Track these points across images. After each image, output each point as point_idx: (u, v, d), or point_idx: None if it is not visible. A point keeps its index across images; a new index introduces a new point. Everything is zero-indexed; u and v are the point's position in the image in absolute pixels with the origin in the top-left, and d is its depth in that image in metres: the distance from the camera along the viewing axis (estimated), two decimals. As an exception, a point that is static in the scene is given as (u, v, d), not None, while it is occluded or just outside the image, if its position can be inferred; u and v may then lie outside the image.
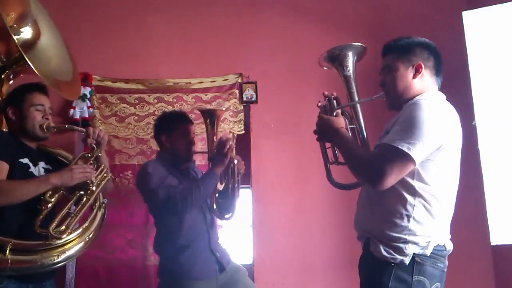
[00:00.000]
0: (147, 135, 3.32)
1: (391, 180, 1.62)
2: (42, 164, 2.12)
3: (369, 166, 1.69)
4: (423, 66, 1.80)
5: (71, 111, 3.22)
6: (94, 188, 2.10)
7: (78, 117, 3.22)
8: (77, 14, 3.45)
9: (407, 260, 1.65)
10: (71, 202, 2.03)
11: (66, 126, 2.40)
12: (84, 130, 2.21)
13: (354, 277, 3.23)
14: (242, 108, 3.40)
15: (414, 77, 1.80)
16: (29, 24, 2.36)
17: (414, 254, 1.66)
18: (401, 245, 1.66)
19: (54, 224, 1.91)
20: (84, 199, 2.07)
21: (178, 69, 3.44)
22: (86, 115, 3.23)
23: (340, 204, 3.33)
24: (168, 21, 3.52)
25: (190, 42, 3.50)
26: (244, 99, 3.41)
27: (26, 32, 2.36)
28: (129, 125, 3.33)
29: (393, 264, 1.66)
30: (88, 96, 3.26)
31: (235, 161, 2.42)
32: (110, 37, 3.46)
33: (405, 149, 1.60)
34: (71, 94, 2.62)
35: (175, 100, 3.38)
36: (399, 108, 1.81)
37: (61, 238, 1.92)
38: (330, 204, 3.34)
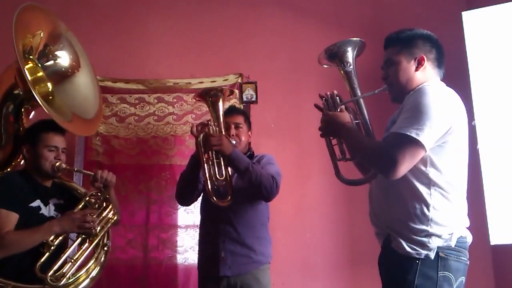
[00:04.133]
0: (147, 135, 3.33)
1: (404, 168, 1.61)
2: (53, 201, 2.19)
3: (380, 156, 1.67)
4: (425, 59, 1.80)
5: (72, 111, 3.22)
6: (98, 230, 2.12)
7: (78, 117, 3.22)
8: (77, 15, 3.45)
9: (432, 255, 1.64)
10: (72, 247, 2.07)
11: (76, 169, 2.44)
12: (92, 173, 2.25)
13: (354, 276, 3.27)
14: (242, 108, 3.40)
15: (416, 69, 1.81)
16: (65, 48, 2.31)
17: (438, 248, 1.64)
18: (425, 239, 1.64)
19: (52, 271, 1.96)
20: (87, 242, 2.10)
21: (178, 69, 3.44)
22: (87, 115, 3.23)
23: (340, 203, 3.33)
24: (168, 21, 3.52)
25: (190, 42, 3.51)
26: (244, 99, 3.42)
27: (63, 59, 2.31)
28: (129, 125, 3.33)
29: (417, 261, 1.64)
30: (89, 96, 3.26)
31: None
32: (110, 37, 3.46)
33: (413, 135, 1.59)
34: (87, 131, 2.59)
35: (175, 100, 3.39)
36: (402, 100, 1.81)
37: (58, 285, 1.95)
38: (331, 203, 3.35)
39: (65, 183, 2.36)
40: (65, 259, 2.02)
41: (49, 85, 2.28)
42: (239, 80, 3.43)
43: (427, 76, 1.81)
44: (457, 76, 2.96)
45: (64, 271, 1.99)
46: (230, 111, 2.64)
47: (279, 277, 3.16)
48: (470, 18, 3.24)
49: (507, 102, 3.09)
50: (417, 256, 1.65)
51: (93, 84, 2.45)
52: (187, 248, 3.18)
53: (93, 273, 2.12)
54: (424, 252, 1.64)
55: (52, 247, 1.99)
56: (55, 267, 1.97)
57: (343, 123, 1.84)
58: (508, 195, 3.03)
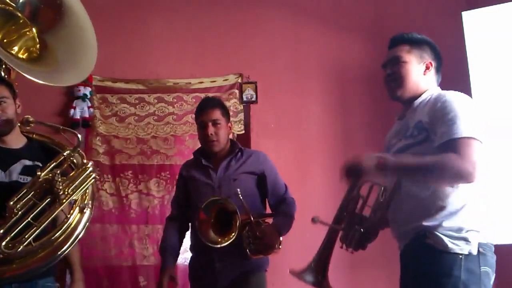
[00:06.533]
0: (147, 135, 3.33)
1: (479, 167, 1.61)
2: (22, 163, 1.99)
3: (456, 164, 1.60)
4: (432, 65, 1.84)
5: (72, 111, 3.22)
6: (68, 191, 1.91)
7: (78, 117, 3.22)
8: (77, 14, 3.45)
9: (474, 250, 1.65)
10: (36, 211, 1.84)
11: (40, 122, 2.11)
12: (58, 126, 2.11)
13: (354, 277, 3.26)
14: (242, 108, 3.40)
15: (424, 73, 1.84)
16: None
17: (478, 243, 1.66)
18: (466, 234, 1.65)
19: (9, 237, 1.76)
20: (57, 204, 1.88)
21: (178, 69, 3.44)
22: (87, 115, 3.24)
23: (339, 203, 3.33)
24: (168, 21, 3.52)
25: (190, 42, 3.51)
26: (244, 99, 3.42)
27: None
28: (129, 125, 3.34)
29: (461, 256, 1.64)
30: (89, 96, 3.26)
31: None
32: (110, 37, 3.45)
33: (470, 134, 1.61)
34: (79, 78, 2.35)
35: (175, 100, 3.39)
36: (403, 100, 1.84)
37: (12, 253, 1.76)
38: (330, 204, 3.33)
39: (46, 142, 2.14)
40: (28, 224, 1.80)
41: (34, 30, 2.12)
42: (239, 80, 3.44)
43: (429, 82, 1.85)
44: (457, 76, 2.97)
45: (25, 237, 1.77)
46: (203, 107, 2.35)
47: (279, 278, 3.15)
48: (470, 18, 3.24)
49: (507, 102, 3.09)
50: (460, 252, 1.65)
51: (83, 21, 2.31)
52: (187, 248, 3.15)
53: (69, 242, 1.89)
54: (467, 247, 1.65)
55: (16, 211, 1.78)
56: (13, 234, 1.76)
57: (378, 155, 1.72)
58: (508, 195, 3.03)
